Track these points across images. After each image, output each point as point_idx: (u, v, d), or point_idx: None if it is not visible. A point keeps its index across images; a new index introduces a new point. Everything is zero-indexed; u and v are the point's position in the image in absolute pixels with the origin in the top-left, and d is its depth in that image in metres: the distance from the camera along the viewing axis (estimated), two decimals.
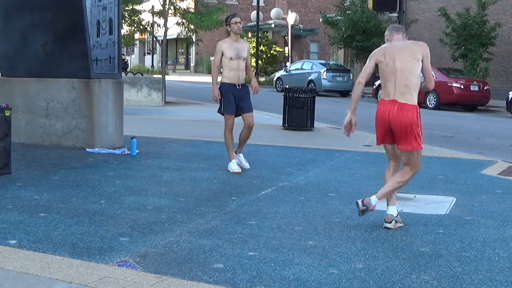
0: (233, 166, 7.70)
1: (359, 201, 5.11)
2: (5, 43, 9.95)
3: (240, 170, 7.68)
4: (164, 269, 3.98)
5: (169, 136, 11.16)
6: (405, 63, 5.12)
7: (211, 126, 13.50)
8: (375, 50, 5.43)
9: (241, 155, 7.95)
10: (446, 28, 26.66)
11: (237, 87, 7.71)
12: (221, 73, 7.85)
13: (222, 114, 7.82)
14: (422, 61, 5.16)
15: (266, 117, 16.34)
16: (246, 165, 7.89)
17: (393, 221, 5.20)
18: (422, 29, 32.03)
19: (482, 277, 4.04)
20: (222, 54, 7.68)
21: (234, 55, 7.65)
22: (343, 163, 8.67)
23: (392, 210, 5.27)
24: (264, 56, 43.96)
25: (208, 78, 40.42)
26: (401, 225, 5.28)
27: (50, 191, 6.22)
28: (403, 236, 4.99)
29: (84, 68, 9.22)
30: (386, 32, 5.45)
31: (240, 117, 7.86)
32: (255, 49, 40.90)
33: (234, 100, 7.68)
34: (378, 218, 5.52)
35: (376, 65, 5.27)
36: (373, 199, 5.11)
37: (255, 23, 40.44)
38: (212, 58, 46.64)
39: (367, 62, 5.35)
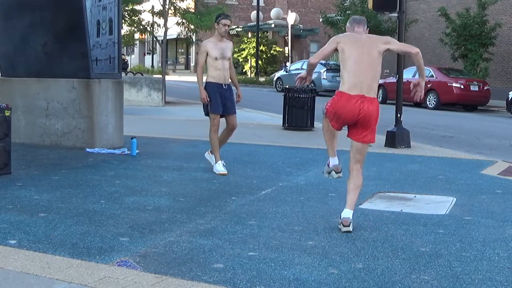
0: (219, 168, 7.53)
1: (344, 225, 5.05)
2: (5, 43, 9.95)
3: (226, 172, 7.48)
4: (164, 269, 3.97)
5: (169, 136, 11.16)
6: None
7: None
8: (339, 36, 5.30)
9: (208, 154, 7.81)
10: (446, 28, 26.67)
11: (224, 86, 7.58)
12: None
13: (208, 115, 7.64)
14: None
15: (266, 117, 16.36)
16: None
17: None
18: (422, 29, 32.06)
19: (482, 277, 4.03)
20: (207, 54, 7.55)
21: (219, 55, 7.53)
22: (343, 163, 8.65)
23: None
24: (264, 56, 43.94)
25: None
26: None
27: (50, 191, 6.22)
28: (403, 236, 4.99)
29: (84, 68, 9.22)
30: (347, 24, 5.37)
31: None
32: (255, 49, 40.92)
33: (220, 99, 7.54)
34: (378, 218, 5.52)
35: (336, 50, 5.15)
36: (347, 212, 5.09)
37: (255, 23, 40.45)
38: None
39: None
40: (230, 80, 7.71)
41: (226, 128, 7.75)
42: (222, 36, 7.62)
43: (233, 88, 7.80)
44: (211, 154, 7.79)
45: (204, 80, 7.63)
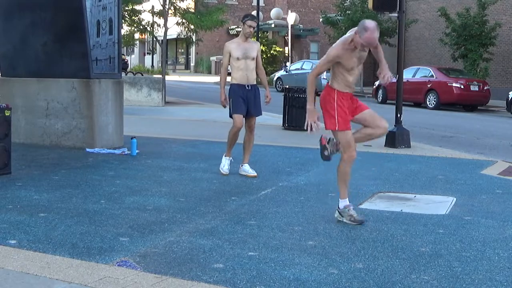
0: (223, 166, 7.54)
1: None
2: (5, 43, 9.95)
3: (228, 173, 7.46)
4: (164, 269, 3.97)
5: (169, 136, 11.16)
6: None
7: (211, 126, 13.52)
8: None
9: (246, 165, 7.53)
10: (446, 28, 26.68)
11: (246, 87, 7.41)
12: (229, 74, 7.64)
13: (231, 117, 7.49)
14: None
15: (266, 117, 16.32)
16: (253, 172, 7.44)
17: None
18: (422, 29, 32.05)
19: (482, 277, 4.03)
20: (230, 55, 7.40)
21: (241, 55, 7.36)
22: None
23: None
24: (264, 56, 43.82)
25: (208, 78, 40.42)
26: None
27: (50, 191, 6.22)
28: (403, 236, 4.99)
29: (84, 68, 9.22)
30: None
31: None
32: None
33: (242, 101, 7.36)
34: (378, 218, 5.52)
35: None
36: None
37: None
38: (212, 58, 46.79)
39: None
40: (255, 81, 7.54)
41: (246, 131, 7.58)
42: (246, 37, 7.46)
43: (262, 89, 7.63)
44: (229, 156, 7.63)
45: (228, 81, 7.53)
